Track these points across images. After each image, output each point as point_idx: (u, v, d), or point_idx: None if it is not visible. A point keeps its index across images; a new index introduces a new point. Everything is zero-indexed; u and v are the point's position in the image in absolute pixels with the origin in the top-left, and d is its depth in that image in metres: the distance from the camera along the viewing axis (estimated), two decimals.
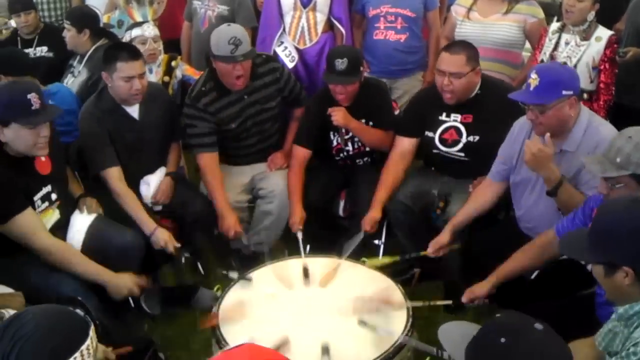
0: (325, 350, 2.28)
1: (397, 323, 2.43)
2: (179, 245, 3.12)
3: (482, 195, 3.03)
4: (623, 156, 2.12)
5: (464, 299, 2.68)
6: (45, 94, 3.30)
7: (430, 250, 3.00)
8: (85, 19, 3.95)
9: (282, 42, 4.02)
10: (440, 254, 3.00)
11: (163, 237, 3.08)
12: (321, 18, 3.97)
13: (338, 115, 3.37)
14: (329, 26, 4.04)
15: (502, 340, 1.45)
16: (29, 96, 2.63)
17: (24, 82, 3.01)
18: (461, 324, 1.67)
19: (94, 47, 3.86)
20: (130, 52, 3.16)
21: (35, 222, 2.72)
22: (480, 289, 2.63)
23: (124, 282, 2.79)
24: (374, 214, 3.25)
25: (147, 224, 3.12)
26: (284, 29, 4.00)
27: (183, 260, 3.17)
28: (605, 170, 2.16)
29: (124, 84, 3.14)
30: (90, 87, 3.66)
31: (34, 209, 2.78)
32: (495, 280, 2.62)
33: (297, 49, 4.02)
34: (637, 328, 1.75)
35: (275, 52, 3.98)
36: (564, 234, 2.31)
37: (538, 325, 1.49)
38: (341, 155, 3.66)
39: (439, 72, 3.16)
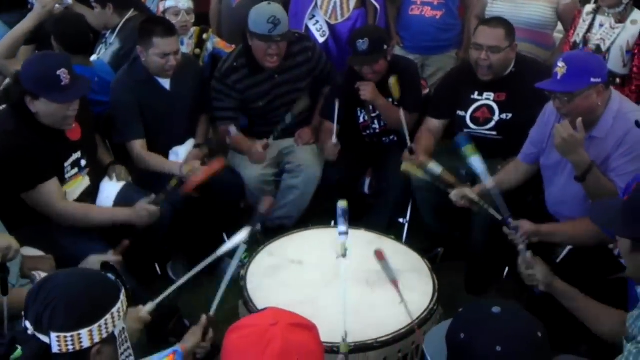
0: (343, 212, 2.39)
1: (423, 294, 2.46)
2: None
3: (510, 172, 3.01)
4: None
5: (511, 222, 2.61)
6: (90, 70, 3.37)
7: (454, 194, 2.93)
8: None
9: (314, 16, 4.00)
10: (462, 203, 2.92)
11: (192, 164, 3.13)
12: None
13: (366, 90, 3.37)
14: (362, 2, 4.01)
15: (462, 336, 1.46)
16: (58, 72, 2.62)
17: (54, 55, 3.01)
18: (444, 327, 1.64)
19: (124, 19, 3.86)
20: (167, 28, 3.18)
21: (55, 191, 2.76)
22: (527, 225, 2.58)
23: (141, 210, 2.85)
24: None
25: (174, 166, 3.17)
26: (316, 4, 3.98)
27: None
28: None
29: (159, 60, 3.17)
30: (122, 57, 3.67)
31: (64, 175, 2.83)
32: (545, 229, 2.59)
33: (329, 24, 4.00)
34: None
35: (306, 26, 3.97)
36: (596, 202, 2.27)
37: (495, 309, 1.48)
38: (367, 132, 3.65)
39: (475, 46, 3.13)
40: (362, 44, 3.28)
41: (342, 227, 2.38)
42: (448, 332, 1.54)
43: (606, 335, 2.10)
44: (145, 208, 2.85)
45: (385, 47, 3.40)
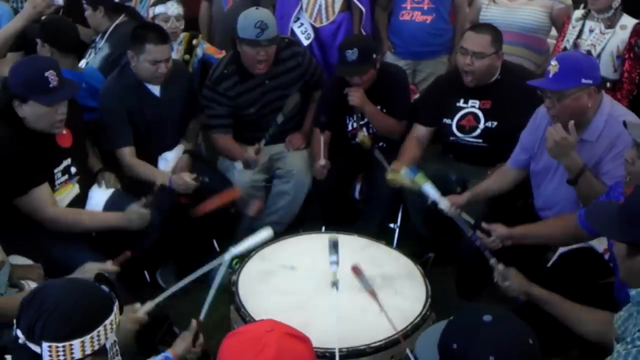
0: (334, 244, 2.34)
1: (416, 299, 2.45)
2: (194, 175, 3.17)
3: (500, 178, 3.01)
4: None
5: (485, 225, 2.65)
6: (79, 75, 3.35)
7: (446, 202, 2.90)
8: None
9: (298, 19, 4.00)
10: (453, 212, 2.91)
11: (181, 179, 3.13)
12: None
13: (355, 96, 3.36)
14: (347, 6, 4.01)
15: (454, 346, 1.47)
16: (46, 74, 2.61)
17: (42, 58, 3.02)
18: (433, 331, 1.65)
19: (114, 24, 3.85)
20: (159, 35, 3.16)
21: (46, 196, 2.74)
22: (500, 228, 2.60)
23: (132, 213, 2.82)
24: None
25: (163, 175, 3.17)
26: (301, 6, 3.97)
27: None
28: None
29: (149, 67, 3.15)
30: (111, 63, 3.66)
31: (54, 181, 2.81)
32: (518, 231, 2.59)
33: (314, 27, 3.99)
34: None
35: (291, 29, 3.96)
36: (593, 202, 2.27)
37: (487, 318, 1.49)
38: (357, 139, 3.64)
39: (462, 51, 3.14)
40: (352, 54, 3.27)
41: (333, 257, 2.35)
42: (440, 342, 1.54)
43: (592, 336, 2.11)
44: (135, 211, 2.83)
45: (375, 56, 3.39)
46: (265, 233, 2.40)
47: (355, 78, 3.35)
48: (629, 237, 1.77)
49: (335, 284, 2.25)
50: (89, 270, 2.42)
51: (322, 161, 3.37)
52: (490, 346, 1.44)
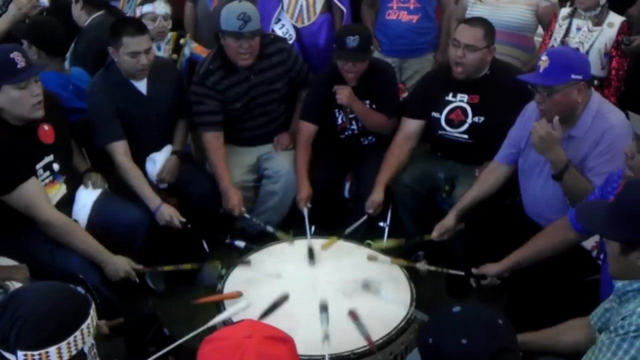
0: (324, 308, 2.29)
1: (401, 304, 2.44)
2: (184, 220, 3.14)
3: (488, 178, 3.01)
4: None
5: (475, 270, 2.67)
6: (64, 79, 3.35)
7: (435, 234, 2.99)
8: None
9: (279, 20, 3.98)
10: (445, 237, 2.98)
11: (168, 212, 3.10)
12: None
13: (343, 94, 3.36)
14: (328, 7, 4.00)
15: (430, 340, 1.52)
16: (12, 55, 2.58)
17: (4, 45, 2.98)
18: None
19: (90, 18, 3.82)
20: (136, 26, 3.14)
21: (39, 192, 2.71)
22: (492, 267, 2.61)
23: (121, 265, 2.78)
24: (376, 196, 3.24)
25: (152, 199, 3.13)
26: (282, 7, 3.96)
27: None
28: None
29: (129, 59, 3.13)
30: (89, 59, 3.61)
31: (36, 178, 2.77)
32: (509, 263, 2.58)
33: (295, 28, 3.97)
34: (629, 304, 1.76)
35: (272, 31, 3.94)
36: (583, 202, 2.27)
37: (456, 309, 1.56)
38: (346, 133, 3.64)
39: (454, 43, 3.14)
40: (353, 40, 3.26)
41: (324, 316, 2.29)
42: (418, 342, 1.59)
43: (570, 348, 2.10)
44: (125, 270, 2.79)
45: (371, 47, 3.40)
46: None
47: (349, 65, 3.33)
48: (622, 236, 1.77)
49: (326, 337, 2.19)
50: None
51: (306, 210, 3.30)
52: (461, 331, 1.49)
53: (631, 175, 2.16)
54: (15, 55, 2.60)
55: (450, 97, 3.26)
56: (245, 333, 1.45)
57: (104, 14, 3.81)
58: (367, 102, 3.47)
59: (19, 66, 2.60)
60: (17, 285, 2.34)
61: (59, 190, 2.92)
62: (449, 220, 2.98)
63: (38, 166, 2.79)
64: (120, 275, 2.78)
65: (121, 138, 3.20)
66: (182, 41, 3.85)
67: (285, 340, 1.50)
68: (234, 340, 1.44)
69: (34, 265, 2.54)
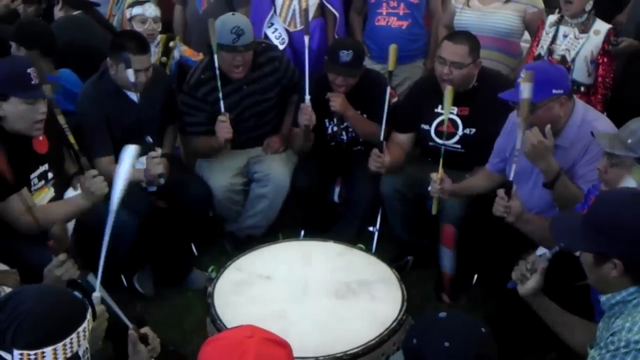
0: None
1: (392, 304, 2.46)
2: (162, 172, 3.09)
3: (479, 178, 3.05)
4: (635, 139, 2.11)
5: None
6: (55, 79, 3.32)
7: (434, 184, 2.94)
8: None
9: (272, 24, 3.97)
10: (437, 188, 2.94)
11: (151, 162, 3.07)
12: (313, 1, 3.92)
13: (336, 101, 3.36)
14: (321, 12, 4.01)
15: (414, 341, 1.61)
16: (28, 70, 2.61)
17: (21, 57, 3.00)
18: None
19: (58, 16, 3.82)
20: (139, 44, 3.11)
21: (27, 201, 2.69)
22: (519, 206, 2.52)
23: (87, 181, 2.68)
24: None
25: (137, 173, 3.05)
26: (274, 11, 3.96)
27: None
28: (614, 147, 2.15)
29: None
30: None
31: (30, 187, 2.76)
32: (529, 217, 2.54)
33: (288, 32, 3.97)
34: (617, 319, 1.77)
35: (265, 34, 3.94)
36: (556, 217, 2.29)
37: (442, 314, 1.66)
38: (336, 141, 3.65)
39: (440, 60, 3.15)
40: (346, 55, 3.28)
41: None
42: (403, 342, 1.69)
43: (578, 348, 2.12)
44: (86, 179, 2.68)
45: (363, 62, 3.42)
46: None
47: (340, 79, 3.35)
48: (595, 247, 1.79)
49: None
50: (48, 275, 2.26)
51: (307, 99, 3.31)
52: (445, 335, 1.58)
53: (607, 190, 2.19)
54: (32, 71, 2.62)
55: (439, 110, 3.27)
56: (247, 333, 1.52)
57: (81, 13, 3.80)
58: (359, 111, 3.48)
59: (33, 82, 2.61)
60: (7, 290, 2.31)
61: (48, 193, 2.91)
62: (450, 186, 2.96)
63: (33, 175, 2.78)
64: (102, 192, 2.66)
65: (108, 153, 3.19)
66: (171, 44, 3.85)
67: (284, 345, 1.56)
68: (235, 340, 1.50)
69: (24, 268, 2.52)
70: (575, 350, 2.12)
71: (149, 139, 3.09)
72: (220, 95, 3.24)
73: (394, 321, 2.37)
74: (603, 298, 1.83)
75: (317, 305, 2.49)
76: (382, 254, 2.97)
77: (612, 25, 3.56)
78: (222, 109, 3.28)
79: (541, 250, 2.31)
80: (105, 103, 3.19)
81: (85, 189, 2.69)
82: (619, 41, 3.45)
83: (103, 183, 2.67)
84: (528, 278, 2.14)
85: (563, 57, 3.44)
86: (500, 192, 2.52)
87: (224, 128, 3.29)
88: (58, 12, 3.83)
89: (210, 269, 3.22)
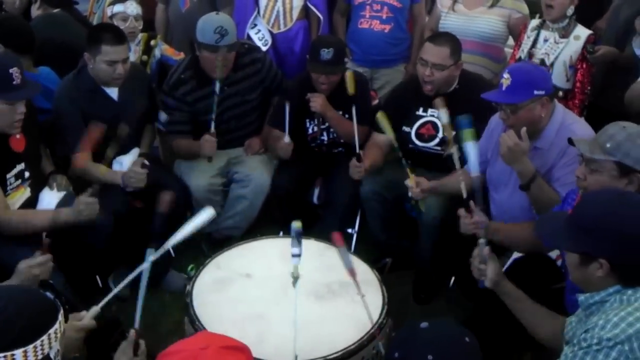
0: (298, 235, 2.21)
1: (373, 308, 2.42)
2: (147, 164, 3.10)
3: (459, 177, 3.03)
4: (614, 142, 2.11)
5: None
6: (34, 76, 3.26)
7: (412, 190, 2.97)
8: None
9: (255, 25, 3.96)
10: (417, 192, 2.96)
11: (132, 170, 3.07)
12: (297, 3, 3.93)
13: (317, 102, 3.36)
14: (305, 14, 4.01)
15: (396, 355, 1.56)
16: (10, 70, 2.57)
17: (6, 56, 2.94)
18: None
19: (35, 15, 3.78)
20: (116, 35, 3.09)
21: (1, 201, 2.66)
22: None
23: (82, 204, 2.69)
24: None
25: (115, 175, 3.09)
26: (258, 12, 3.94)
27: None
28: (593, 152, 2.15)
29: (106, 68, 3.08)
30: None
31: (5, 187, 2.73)
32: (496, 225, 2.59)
33: (271, 33, 3.96)
34: (593, 317, 1.77)
35: (248, 35, 3.93)
36: (541, 216, 2.30)
37: (423, 324, 1.60)
38: (316, 142, 3.64)
39: (421, 62, 3.16)
40: (327, 53, 3.27)
41: (295, 250, 2.20)
42: (385, 355, 1.66)
43: (545, 340, 2.13)
44: (83, 202, 2.69)
45: (345, 60, 3.41)
46: (205, 215, 2.18)
47: (323, 77, 3.34)
48: (580, 248, 1.79)
49: (296, 279, 2.14)
50: (23, 270, 2.24)
51: (287, 138, 3.35)
52: (428, 347, 1.53)
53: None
54: (14, 71, 2.58)
55: (420, 112, 3.28)
56: (201, 344, 1.46)
57: (60, 11, 3.77)
58: (340, 112, 3.47)
59: (14, 82, 2.58)
60: None
61: (24, 193, 2.89)
62: (427, 183, 2.99)
63: (9, 175, 2.76)
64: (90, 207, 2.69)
65: (85, 150, 3.14)
66: (152, 42, 3.81)
67: (242, 350, 1.51)
68: (190, 353, 1.45)
69: None
70: (542, 342, 2.13)
71: (124, 125, 3.02)
72: (213, 115, 3.24)
73: (375, 324, 2.34)
74: (582, 297, 1.83)
75: (297, 306, 2.46)
76: (361, 256, 2.95)
77: (592, 30, 3.58)
78: (212, 129, 3.27)
79: (481, 240, 2.36)
80: (82, 100, 3.15)
81: (78, 211, 2.67)
82: (595, 49, 3.47)
83: (96, 206, 2.68)
84: (485, 270, 2.23)
85: (542, 61, 3.46)
86: (461, 211, 2.55)
87: (209, 146, 3.28)
88: (35, 11, 3.79)
89: (189, 267, 3.19)
